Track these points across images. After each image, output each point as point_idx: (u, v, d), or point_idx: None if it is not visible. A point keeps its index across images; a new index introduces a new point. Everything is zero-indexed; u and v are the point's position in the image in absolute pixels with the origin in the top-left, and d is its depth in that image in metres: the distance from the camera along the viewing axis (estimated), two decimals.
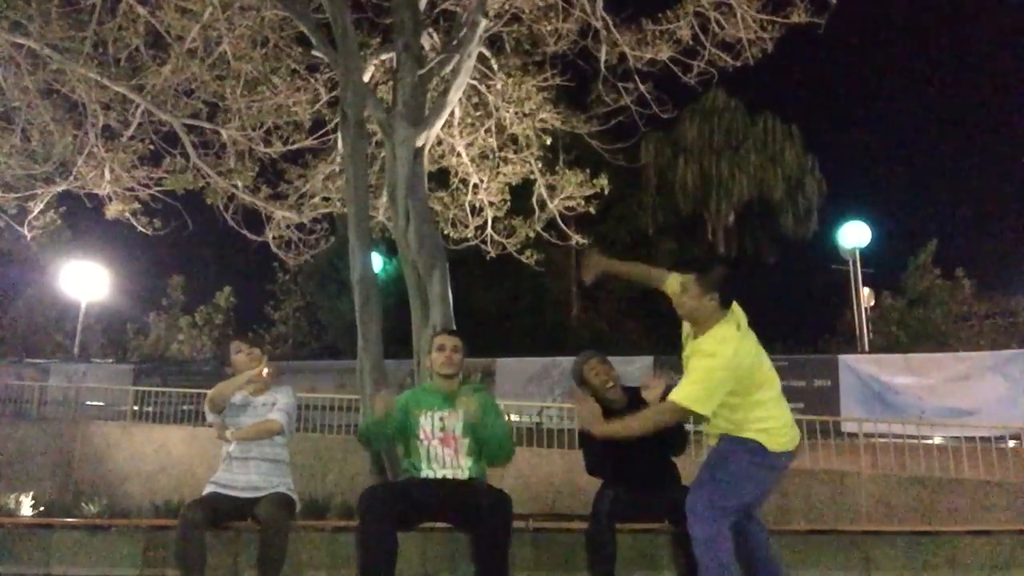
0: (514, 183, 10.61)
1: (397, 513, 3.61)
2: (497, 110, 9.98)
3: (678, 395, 3.37)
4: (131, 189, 9.83)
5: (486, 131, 10.17)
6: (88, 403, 16.59)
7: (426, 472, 3.83)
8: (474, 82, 9.49)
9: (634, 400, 4.14)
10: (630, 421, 3.53)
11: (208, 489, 3.97)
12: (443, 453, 3.83)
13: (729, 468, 3.41)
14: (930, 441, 10.51)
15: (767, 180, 25.22)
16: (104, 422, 15.41)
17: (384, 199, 9.07)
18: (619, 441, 3.99)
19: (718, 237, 26.52)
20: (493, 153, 10.34)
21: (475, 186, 10.51)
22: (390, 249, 17.45)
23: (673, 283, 3.65)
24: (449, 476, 3.82)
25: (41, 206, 9.86)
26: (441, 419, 3.87)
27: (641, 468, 4.00)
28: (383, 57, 9.02)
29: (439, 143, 10.03)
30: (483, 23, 8.11)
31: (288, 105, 9.50)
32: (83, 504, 12.12)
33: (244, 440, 4.00)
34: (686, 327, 3.65)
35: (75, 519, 5.16)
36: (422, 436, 3.86)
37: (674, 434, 4.10)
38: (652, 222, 25.77)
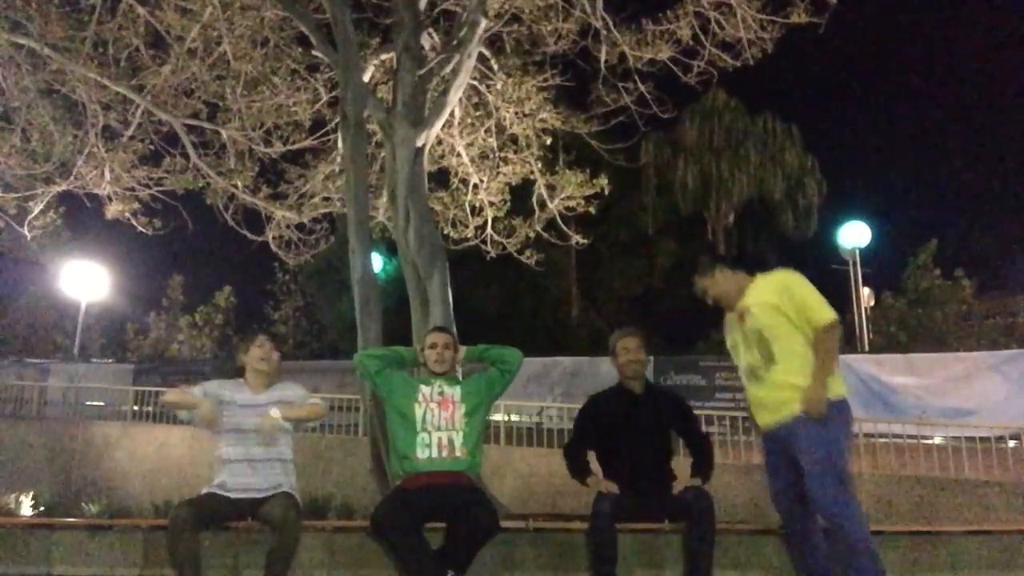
0: (514, 183, 10.61)
1: (412, 520, 3.70)
2: (497, 110, 9.97)
3: (822, 316, 3.47)
4: (131, 189, 9.84)
5: (486, 131, 10.17)
6: (88, 403, 16.59)
7: (421, 436, 3.91)
8: (474, 82, 9.49)
9: (651, 392, 4.24)
10: (823, 364, 3.47)
11: (205, 490, 3.93)
12: (440, 415, 3.97)
13: (838, 443, 3.40)
14: (930, 441, 10.50)
15: (767, 180, 25.20)
16: (104, 422, 15.40)
17: (384, 199, 9.07)
18: (621, 443, 4.03)
19: (718, 237, 26.50)
20: (493, 153, 10.34)
21: (475, 186, 10.51)
22: (390, 249, 17.44)
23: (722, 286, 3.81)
24: (444, 440, 3.92)
25: (41, 206, 9.86)
26: (440, 387, 4.06)
27: (641, 470, 4.01)
28: (383, 57, 9.02)
29: (439, 143, 10.03)
30: (483, 23, 8.11)
31: (288, 105, 9.50)
32: (83, 504, 12.11)
33: (295, 419, 3.97)
34: (730, 325, 3.82)
35: (75, 519, 5.15)
36: (420, 399, 4.01)
37: (698, 440, 4.21)
38: (652, 222, 25.74)
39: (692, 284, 3.88)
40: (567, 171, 10.33)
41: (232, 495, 3.86)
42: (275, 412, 3.87)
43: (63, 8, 8.39)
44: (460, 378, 4.44)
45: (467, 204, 10.67)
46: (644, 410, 4.11)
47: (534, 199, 10.65)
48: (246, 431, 3.94)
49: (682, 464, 4.19)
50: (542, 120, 10.08)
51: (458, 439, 3.93)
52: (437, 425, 3.94)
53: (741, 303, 3.72)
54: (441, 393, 4.03)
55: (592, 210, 10.50)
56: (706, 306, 3.89)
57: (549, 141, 10.32)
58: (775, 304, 3.54)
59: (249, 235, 10.50)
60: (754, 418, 3.78)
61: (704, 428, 7.15)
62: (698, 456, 4.15)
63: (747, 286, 3.73)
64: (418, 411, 3.97)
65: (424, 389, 4.05)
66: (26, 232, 10.11)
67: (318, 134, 10.18)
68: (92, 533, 4.04)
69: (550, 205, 10.40)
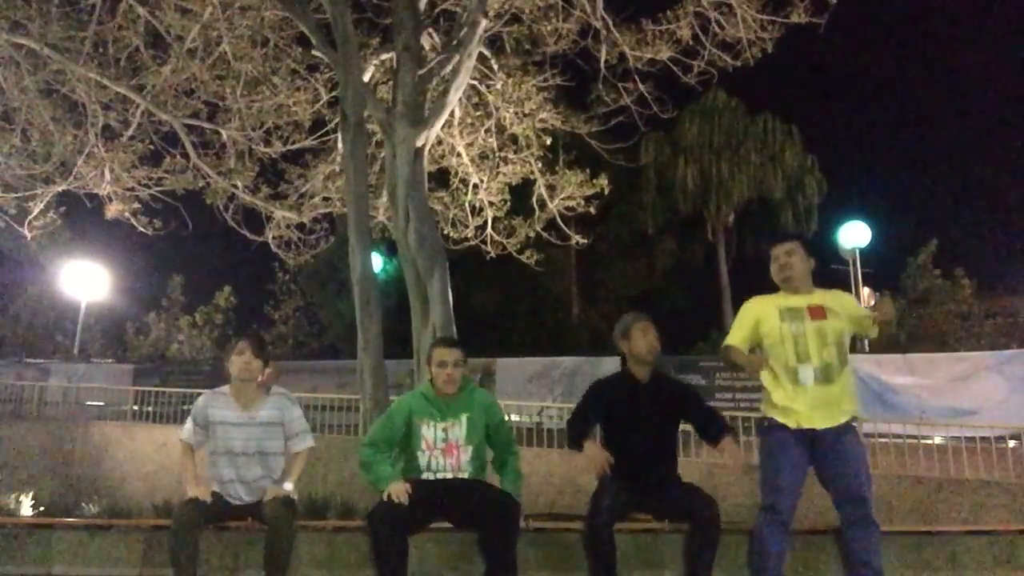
0: (514, 183, 10.63)
1: (407, 520, 3.63)
2: (497, 110, 9.98)
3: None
4: (131, 189, 9.85)
5: (486, 131, 10.18)
6: (88, 403, 16.60)
7: (426, 476, 3.86)
8: (474, 82, 9.50)
9: (657, 381, 4.12)
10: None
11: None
12: (445, 463, 3.85)
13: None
14: (930, 441, 10.50)
15: (767, 180, 25.19)
16: (104, 422, 15.40)
17: (384, 199, 9.09)
18: (623, 432, 3.99)
19: (718, 237, 26.51)
20: (493, 153, 10.35)
21: (475, 186, 10.52)
22: (390, 249, 17.46)
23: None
24: (449, 475, 3.85)
25: (41, 206, 9.86)
26: (444, 430, 3.87)
27: (644, 460, 3.96)
28: (383, 57, 9.03)
29: (439, 143, 10.04)
30: (483, 23, 8.12)
31: (288, 105, 9.52)
32: (83, 504, 12.12)
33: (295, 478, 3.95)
34: (774, 311, 3.82)
35: (75, 519, 5.14)
36: (424, 447, 3.86)
37: (710, 420, 4.09)
38: (652, 222, 25.74)
39: (775, 246, 3.90)
40: (567, 171, 10.34)
41: (232, 502, 3.91)
42: (288, 486, 3.88)
43: (63, 8, 8.40)
44: (471, 392, 4.03)
45: (467, 204, 10.68)
46: (648, 399, 4.01)
47: (534, 199, 10.66)
48: (237, 453, 3.92)
49: (683, 465, 4.18)
50: (542, 120, 10.09)
51: (462, 474, 3.86)
52: (443, 471, 3.85)
53: (815, 299, 3.80)
54: (445, 439, 3.84)
55: (592, 210, 10.52)
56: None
57: (549, 141, 10.33)
58: (857, 317, 3.79)
59: (249, 235, 10.52)
60: (798, 417, 3.69)
61: None
62: (715, 421, 4.07)
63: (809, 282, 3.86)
64: (422, 458, 3.85)
65: (427, 435, 3.85)
66: (26, 232, 10.12)
67: (318, 134, 10.20)
68: (92, 533, 4.03)
69: (550, 205, 10.41)
